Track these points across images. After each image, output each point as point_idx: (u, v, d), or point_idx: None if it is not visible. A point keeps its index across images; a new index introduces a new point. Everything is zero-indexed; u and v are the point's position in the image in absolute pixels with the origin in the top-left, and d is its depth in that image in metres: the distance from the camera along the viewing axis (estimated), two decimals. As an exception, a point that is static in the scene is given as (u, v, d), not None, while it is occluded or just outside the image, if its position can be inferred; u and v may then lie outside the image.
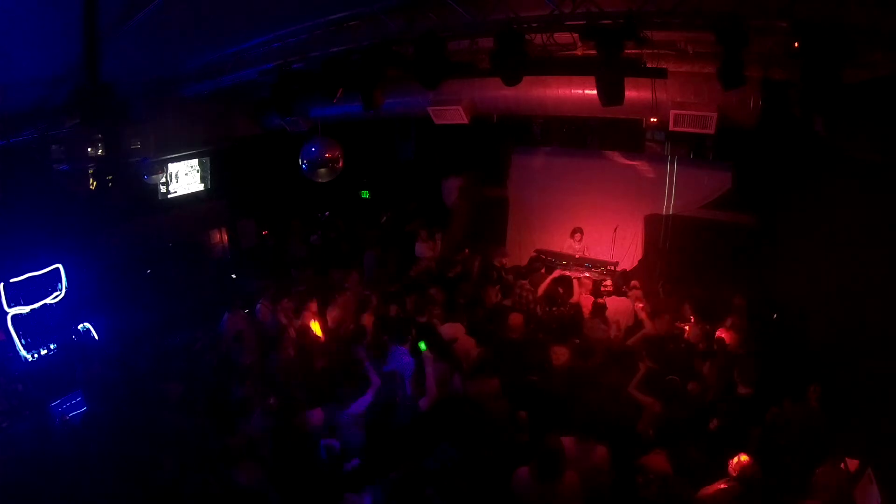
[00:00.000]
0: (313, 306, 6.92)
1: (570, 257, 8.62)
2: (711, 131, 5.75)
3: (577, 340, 6.26)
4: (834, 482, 4.07)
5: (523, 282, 7.76)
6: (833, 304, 6.16)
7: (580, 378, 5.44)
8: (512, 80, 5.07)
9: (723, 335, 6.28)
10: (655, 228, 9.06)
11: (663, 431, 4.74)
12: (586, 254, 8.79)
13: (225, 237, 10.85)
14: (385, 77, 5.76)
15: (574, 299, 7.41)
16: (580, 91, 6.26)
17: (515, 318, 6.36)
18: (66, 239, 7.52)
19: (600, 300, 7.13)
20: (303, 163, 7.49)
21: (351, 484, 4.09)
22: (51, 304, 7.17)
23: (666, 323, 6.52)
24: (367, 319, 6.62)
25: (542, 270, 8.13)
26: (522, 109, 7.15)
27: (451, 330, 6.08)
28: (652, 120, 7.53)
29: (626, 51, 4.61)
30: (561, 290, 7.56)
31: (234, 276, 9.91)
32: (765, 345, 6.07)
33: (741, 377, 5.09)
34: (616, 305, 7.02)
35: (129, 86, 6.74)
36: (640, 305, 6.79)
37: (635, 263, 9.13)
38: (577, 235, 8.84)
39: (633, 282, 7.59)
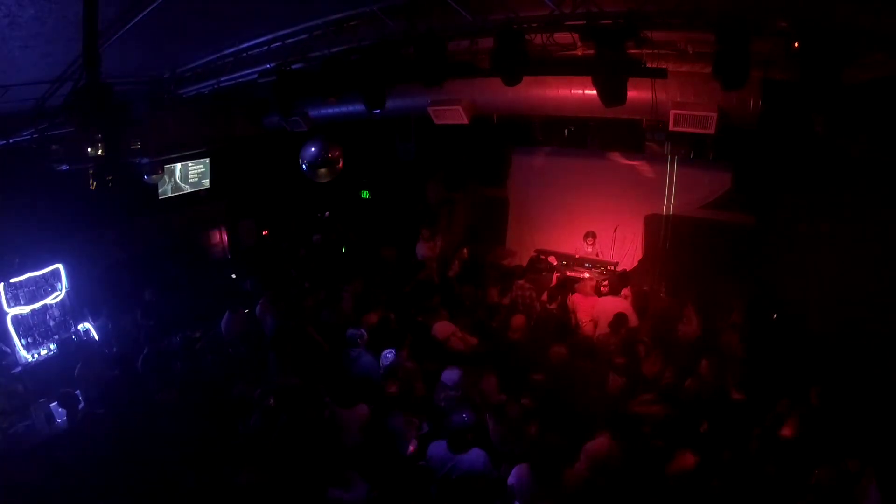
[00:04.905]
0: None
1: (570, 257, 8.61)
2: (711, 131, 5.73)
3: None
4: (834, 482, 4.07)
5: (520, 281, 7.76)
6: (833, 303, 6.16)
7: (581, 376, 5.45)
8: (512, 80, 5.06)
9: (722, 335, 6.28)
10: (655, 228, 9.07)
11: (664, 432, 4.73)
12: (599, 258, 8.78)
13: (225, 237, 10.85)
14: (392, 77, 5.73)
15: (571, 297, 7.42)
16: (580, 91, 6.24)
17: (518, 320, 6.38)
18: (66, 239, 7.52)
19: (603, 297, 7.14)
20: (303, 163, 7.49)
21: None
22: (51, 304, 7.17)
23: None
24: (372, 318, 6.67)
25: (554, 275, 8.15)
26: (522, 109, 7.14)
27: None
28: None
29: (627, 51, 4.61)
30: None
31: (234, 276, 9.90)
32: (764, 345, 6.07)
33: (734, 382, 5.09)
34: (614, 306, 6.99)
35: (129, 86, 6.75)
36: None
37: (635, 263, 9.13)
38: (590, 239, 8.85)
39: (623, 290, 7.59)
